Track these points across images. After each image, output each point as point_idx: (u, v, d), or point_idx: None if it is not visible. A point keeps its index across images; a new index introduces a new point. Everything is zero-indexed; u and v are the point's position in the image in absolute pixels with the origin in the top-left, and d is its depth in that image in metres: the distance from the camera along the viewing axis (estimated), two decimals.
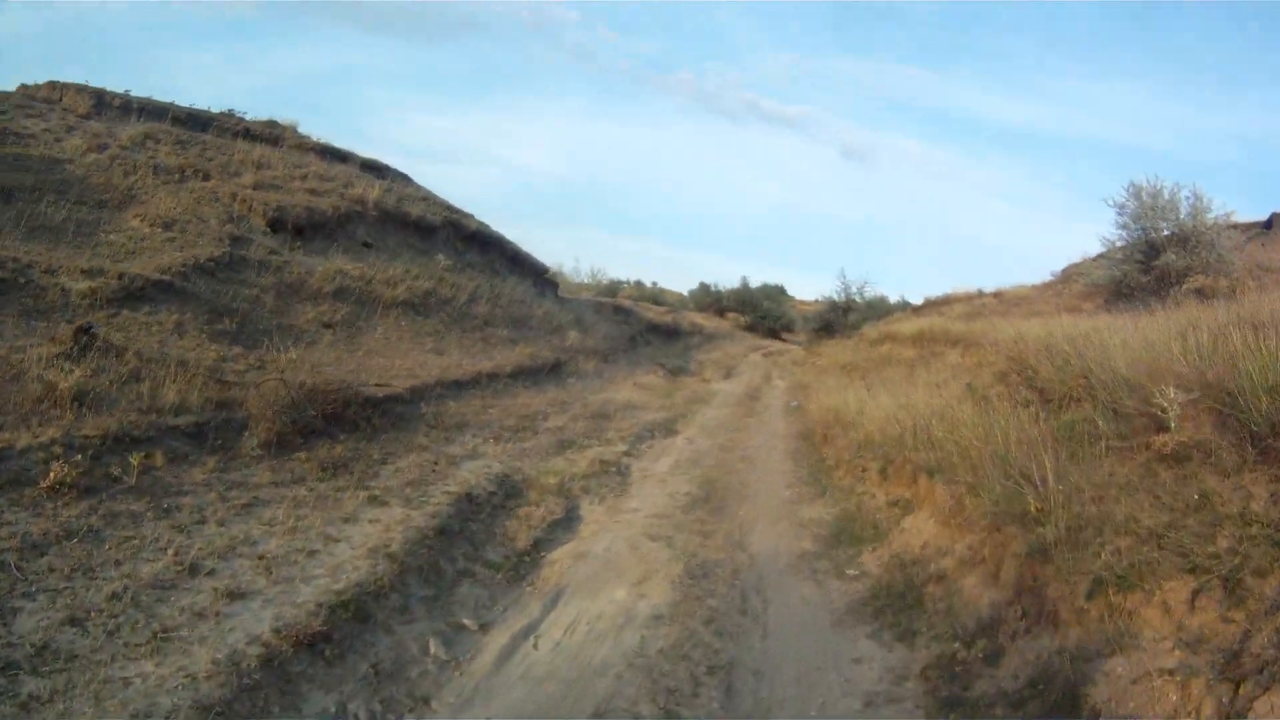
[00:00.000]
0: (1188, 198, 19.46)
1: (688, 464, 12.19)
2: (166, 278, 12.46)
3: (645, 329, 29.88)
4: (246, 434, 9.24)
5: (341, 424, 10.28)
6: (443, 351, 14.97)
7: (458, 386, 13.49)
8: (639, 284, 55.45)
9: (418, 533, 7.37)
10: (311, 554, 6.84)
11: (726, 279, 53.75)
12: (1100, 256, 25.87)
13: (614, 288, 45.94)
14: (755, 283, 52.98)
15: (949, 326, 24.74)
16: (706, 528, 8.81)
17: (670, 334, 32.54)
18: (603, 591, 7.01)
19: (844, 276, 34.50)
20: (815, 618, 6.56)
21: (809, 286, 58.15)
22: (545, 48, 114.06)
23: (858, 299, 34.92)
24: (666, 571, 7.30)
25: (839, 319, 35.01)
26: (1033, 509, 5.46)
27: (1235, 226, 20.83)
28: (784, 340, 47.71)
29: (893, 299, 40.54)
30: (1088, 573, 4.67)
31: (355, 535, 7.27)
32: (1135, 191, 20.85)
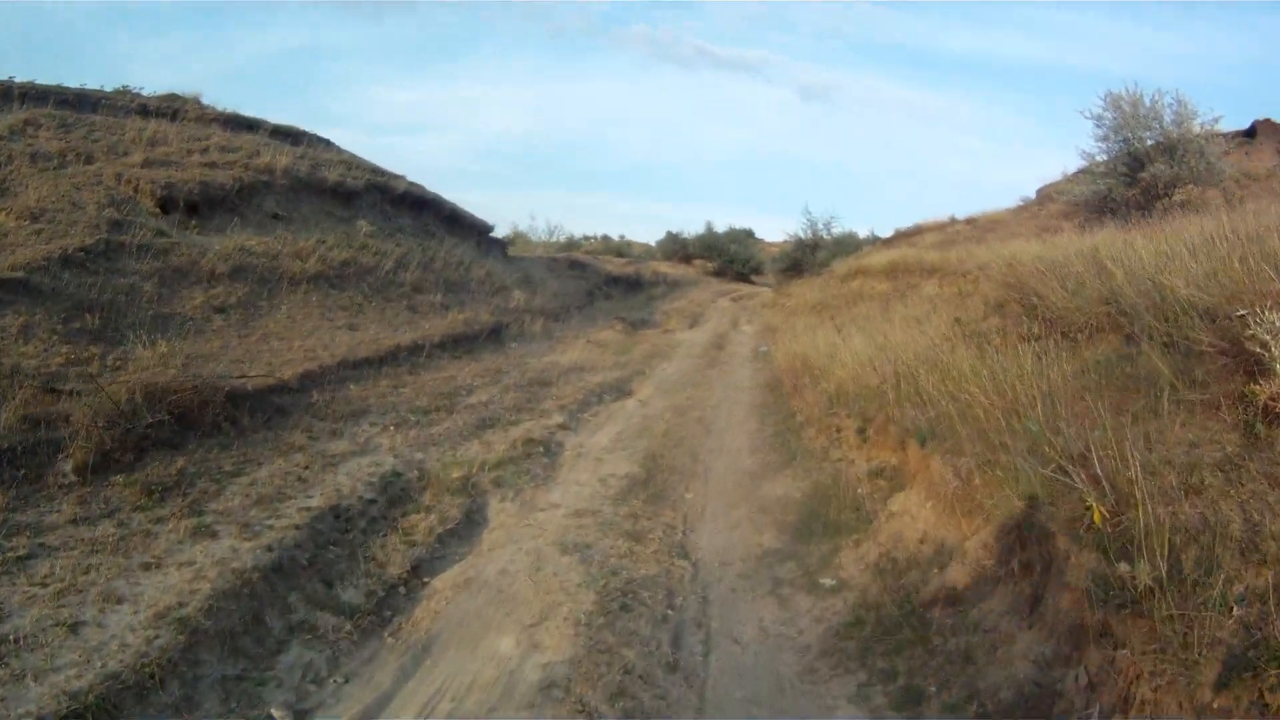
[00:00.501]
0: (1171, 104, 17.49)
1: (634, 434, 10.17)
2: (19, 275, 10.21)
3: (604, 282, 27.68)
4: (62, 455, 7.12)
5: (197, 429, 8.14)
6: (358, 326, 12.79)
7: (368, 365, 11.35)
8: (605, 238, 53.00)
9: (236, 577, 5.30)
10: (75, 628, 4.77)
11: (693, 228, 51.40)
12: (1080, 172, 23.95)
13: (574, 244, 43.49)
14: (721, 228, 50.69)
15: (922, 256, 22.74)
16: (640, 525, 6.82)
17: (632, 286, 30.38)
18: (483, 642, 5.00)
19: (809, 213, 32.36)
20: (775, 666, 4.59)
21: (776, 229, 55.71)
22: (497, 11, 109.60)
23: (825, 236, 32.83)
24: (573, 605, 5.28)
25: (807, 257, 32.92)
26: (1095, 515, 3.46)
27: (1220, 135, 18.99)
28: (753, 283, 45.57)
29: (862, 235, 38.45)
30: (1215, 642, 2.70)
31: (150, 590, 5.20)
32: (1114, 101, 18.84)
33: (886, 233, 35.96)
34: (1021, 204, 28.10)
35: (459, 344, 14.19)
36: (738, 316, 27.09)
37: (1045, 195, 27.59)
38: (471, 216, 22.25)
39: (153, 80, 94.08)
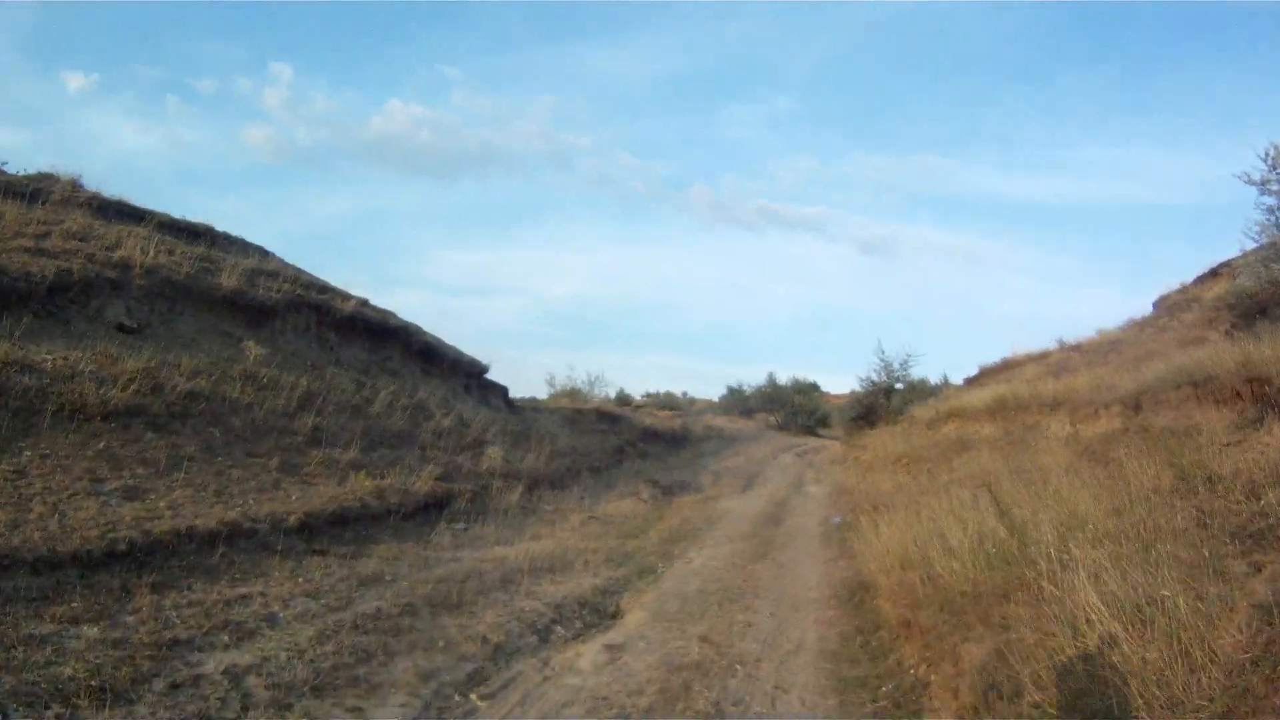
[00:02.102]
0: None
1: None
2: None
3: (639, 438, 22.12)
4: None
5: None
6: (149, 493, 7.37)
7: (112, 562, 5.85)
8: (667, 394, 47.92)
9: None
10: None
11: (757, 382, 45.96)
12: (1241, 258, 17.96)
13: (623, 398, 38.43)
14: (784, 380, 45.12)
15: (1037, 388, 16.62)
16: None
17: (676, 442, 24.73)
18: None
19: (883, 353, 26.62)
20: None
21: (841, 384, 49.96)
22: (562, 176, 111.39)
23: (901, 377, 26.85)
24: None
25: (880, 403, 26.88)
26: None
27: None
28: (820, 436, 39.36)
29: (934, 381, 32.08)
30: None
31: None
32: None
33: (959, 377, 29.79)
34: (1140, 320, 21.82)
35: (350, 524, 8.62)
36: (803, 475, 20.96)
37: (1169, 304, 21.36)
38: (457, 353, 17.18)
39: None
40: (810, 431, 40.59)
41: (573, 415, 20.60)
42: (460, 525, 10.24)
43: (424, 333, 16.48)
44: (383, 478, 10.11)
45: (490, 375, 18.59)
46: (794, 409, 41.81)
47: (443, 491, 10.79)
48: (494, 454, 12.79)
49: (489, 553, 8.92)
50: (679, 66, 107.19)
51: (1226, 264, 20.32)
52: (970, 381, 27.04)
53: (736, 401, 44.91)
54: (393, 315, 16.06)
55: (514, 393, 22.24)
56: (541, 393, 29.00)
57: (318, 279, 15.51)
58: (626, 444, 20.41)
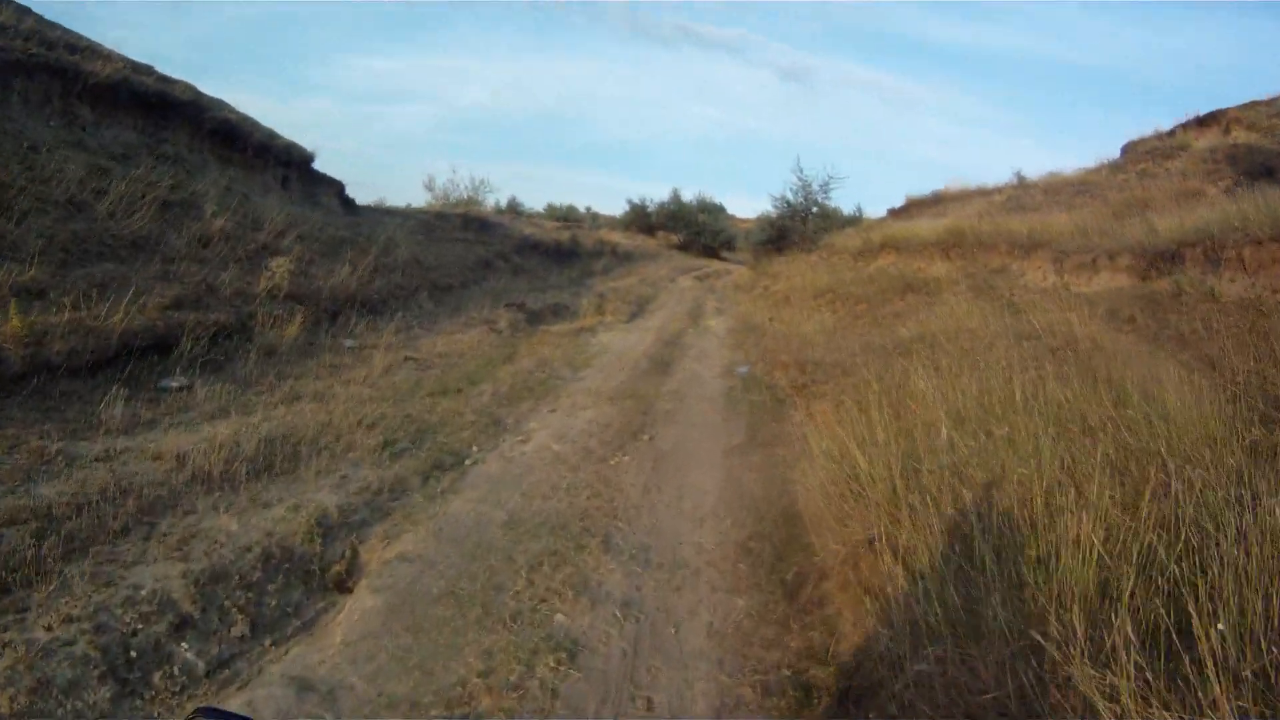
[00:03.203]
0: None
1: None
2: None
3: (515, 250, 17.93)
4: None
5: None
6: None
7: None
8: (567, 207, 42.84)
9: None
10: None
11: (660, 199, 41.40)
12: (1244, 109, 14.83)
13: (513, 207, 33.56)
14: (689, 198, 40.82)
15: (1002, 224, 13.34)
16: None
17: (563, 256, 20.69)
18: None
19: (801, 172, 22.72)
20: None
21: (748, 208, 46.30)
22: None
23: (819, 202, 23.21)
24: None
25: (796, 228, 23.40)
26: None
27: None
28: (723, 259, 36.07)
29: (846, 212, 28.13)
30: None
31: None
32: None
33: (876, 211, 26.38)
34: (1109, 163, 18.64)
35: None
36: (702, 303, 17.54)
37: (1147, 151, 18.21)
38: (268, 136, 12.10)
39: (129, 43, 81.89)
40: (713, 254, 37.17)
41: (431, 221, 16.13)
42: (176, 383, 6.23)
43: (225, 108, 11.37)
44: (72, 308, 5.89)
45: (350, 182, 13.87)
46: (698, 229, 38.00)
47: (171, 326, 6.67)
48: (280, 268, 8.54)
49: (186, 436, 5.05)
50: None
51: (1217, 114, 17.06)
52: (896, 214, 23.72)
53: (638, 218, 40.59)
54: (182, 85, 10.88)
55: (391, 201, 17.49)
56: (421, 201, 24.09)
57: (72, 34, 10.11)
58: (496, 257, 16.31)
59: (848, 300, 12.71)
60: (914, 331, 7.94)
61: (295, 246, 9.69)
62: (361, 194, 15.11)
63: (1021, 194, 17.86)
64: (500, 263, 16.38)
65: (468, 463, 5.65)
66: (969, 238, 12.65)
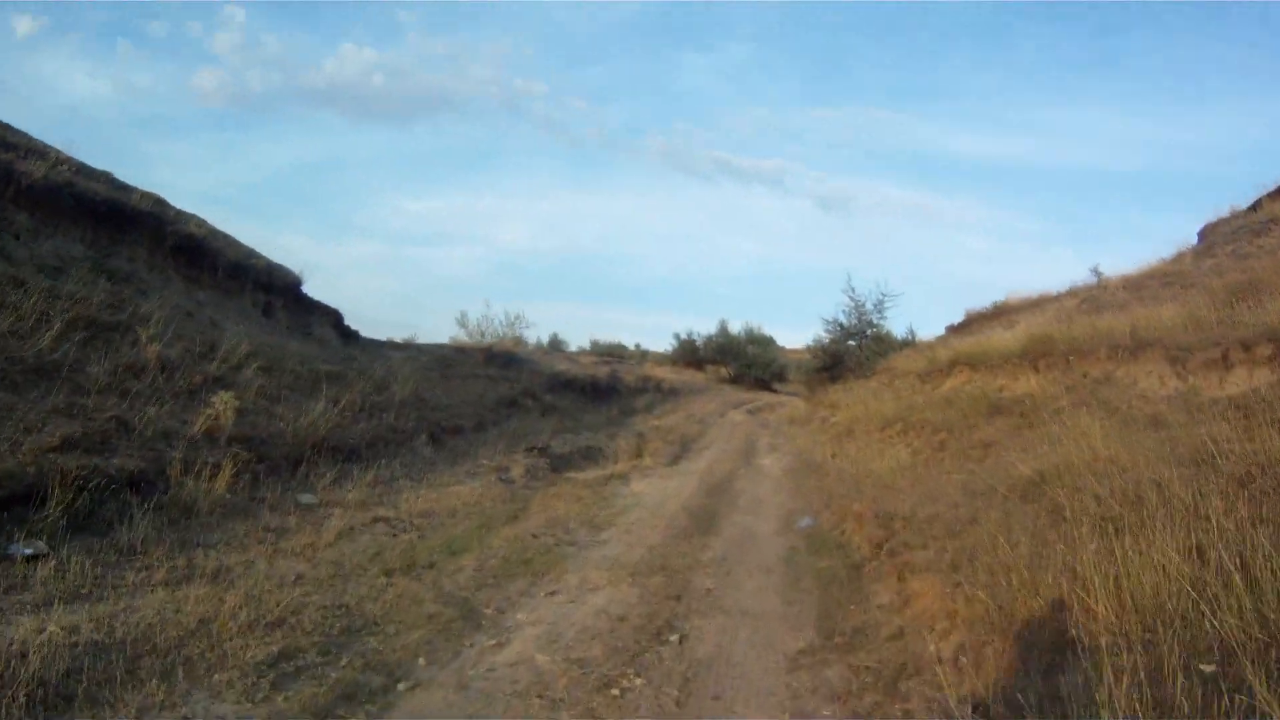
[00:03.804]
0: None
1: None
2: None
3: (544, 387, 16.41)
4: None
5: None
6: None
7: None
8: (613, 344, 41.91)
9: None
10: None
11: (707, 332, 40.18)
12: None
13: (555, 345, 32.60)
14: (737, 329, 39.53)
15: (1094, 325, 11.35)
16: None
17: (601, 393, 19.13)
18: None
19: (853, 291, 21.12)
20: None
21: (796, 339, 44.77)
22: (516, 122, 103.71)
23: (874, 323, 21.44)
24: None
25: (850, 352, 21.56)
26: None
27: None
28: (775, 391, 34.20)
29: (898, 335, 25.99)
30: None
31: None
32: None
33: (927, 332, 24.35)
34: (1191, 249, 16.63)
35: None
36: (755, 438, 15.57)
37: (1232, 231, 16.23)
38: (245, 256, 10.94)
39: (179, 183, 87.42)
40: (765, 386, 35.38)
41: (449, 356, 14.82)
42: (28, 549, 4.61)
43: (193, 222, 10.43)
44: None
45: (344, 308, 12.75)
46: (748, 361, 36.42)
47: (49, 472, 5.11)
48: (225, 404, 7.04)
49: None
50: (634, 12, 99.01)
51: None
52: (956, 330, 21.77)
53: (686, 352, 39.35)
54: (142, 194, 10.04)
55: (424, 339, 16.36)
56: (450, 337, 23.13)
57: (11, 130, 9.45)
58: (522, 395, 14.80)
59: (923, 429, 10.65)
60: (1033, 467, 5.88)
61: (257, 380, 8.23)
62: (400, 334, 13.96)
63: (1100, 293, 15.82)
64: (528, 402, 14.83)
65: (401, 688, 3.74)
66: (1058, 344, 10.61)
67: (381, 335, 15.73)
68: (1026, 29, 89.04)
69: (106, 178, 10.10)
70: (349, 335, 12.86)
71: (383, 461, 8.59)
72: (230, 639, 3.96)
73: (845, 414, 14.87)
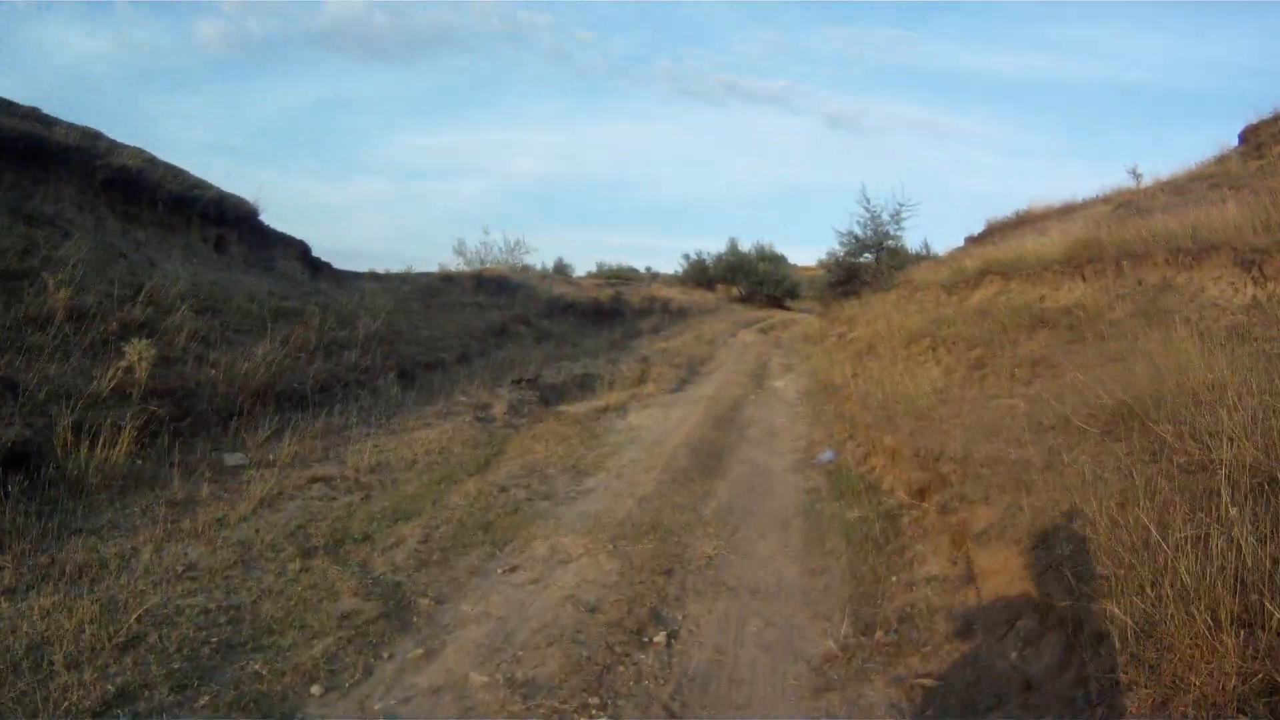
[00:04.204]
0: None
1: None
2: None
3: (542, 312, 15.13)
4: None
5: None
6: None
7: None
8: (621, 267, 40.32)
9: None
10: None
11: (717, 251, 38.46)
12: None
13: (560, 269, 31.16)
14: (747, 247, 37.78)
15: (1149, 227, 9.89)
16: None
17: (604, 317, 17.83)
18: None
19: (868, 202, 19.40)
20: None
21: (809, 256, 43.03)
22: (521, 54, 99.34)
23: (893, 234, 19.81)
24: None
25: (867, 266, 20.07)
26: None
27: None
28: (788, 309, 32.82)
29: (912, 249, 23.93)
30: None
31: None
32: None
33: (941, 247, 22.64)
34: (1233, 151, 14.95)
35: None
36: (766, 360, 14.34)
37: (1274, 132, 14.55)
38: (190, 187, 9.52)
39: (185, 136, 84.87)
40: (777, 304, 33.97)
41: (435, 284, 13.51)
42: None
43: (126, 153, 9.01)
44: None
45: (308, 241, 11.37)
46: (759, 279, 34.90)
47: None
48: (140, 353, 5.85)
49: None
50: None
51: None
52: (977, 240, 20.16)
53: (696, 272, 37.79)
54: (68, 127, 8.64)
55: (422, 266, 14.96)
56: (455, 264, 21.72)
57: None
58: (515, 321, 13.54)
59: (955, 345, 9.36)
60: (1115, 393, 4.61)
61: (188, 323, 7.00)
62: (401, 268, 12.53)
63: (1137, 197, 14.23)
64: (520, 329, 13.59)
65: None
66: (1107, 248, 9.18)
67: (384, 270, 14.40)
68: None
69: (32, 113, 8.72)
70: (319, 268, 11.55)
71: (338, 407, 7.43)
72: (62, 673, 2.86)
73: (864, 330, 13.56)
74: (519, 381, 9.98)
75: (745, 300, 33.77)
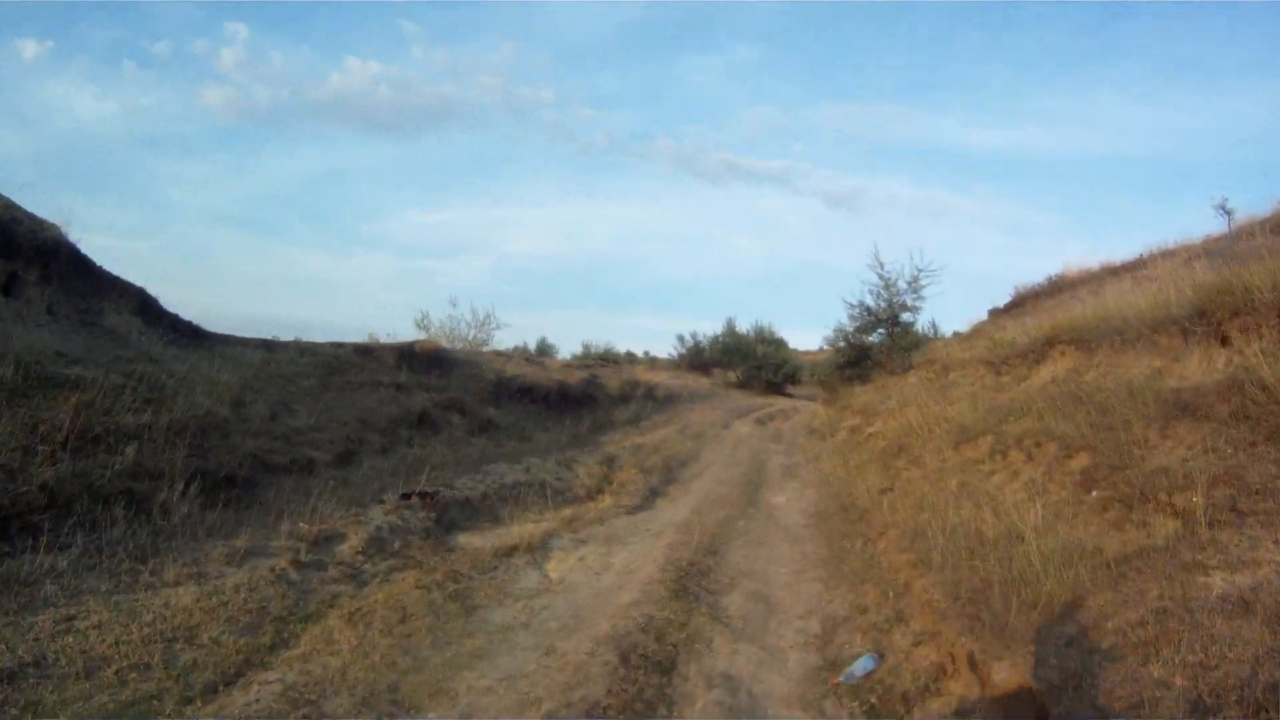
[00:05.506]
0: None
1: None
2: None
3: (486, 397, 11.97)
4: None
5: None
6: None
7: None
8: (608, 350, 37.34)
9: None
10: None
11: (713, 332, 35.62)
12: None
13: (542, 350, 28.25)
14: (745, 329, 34.90)
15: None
16: None
17: (569, 404, 14.73)
18: None
19: (882, 268, 16.51)
20: None
21: (810, 341, 40.32)
22: (523, 130, 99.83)
23: (911, 304, 16.82)
24: None
25: (879, 343, 17.08)
26: None
27: None
28: (789, 396, 29.71)
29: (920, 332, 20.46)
30: None
31: None
32: None
33: (949, 328, 19.72)
34: (1262, 219, 12.03)
35: None
36: (763, 460, 11.13)
37: None
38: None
39: (190, 202, 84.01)
40: (776, 390, 30.89)
41: (346, 357, 10.49)
42: None
43: None
44: None
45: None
46: (758, 362, 31.87)
47: None
48: None
49: None
50: (638, 15, 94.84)
51: None
52: (1002, 313, 17.25)
53: (691, 355, 34.87)
54: None
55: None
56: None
57: None
58: (445, 409, 10.43)
59: (1039, 447, 6.23)
60: None
61: None
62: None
63: (1231, 243, 11.26)
64: (453, 417, 10.47)
65: None
66: (1259, 294, 6.13)
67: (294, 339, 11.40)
68: (1032, 18, 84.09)
69: None
70: (177, 327, 8.55)
71: (65, 537, 4.32)
72: None
73: (888, 422, 10.43)
74: (409, 496, 6.82)
75: (743, 385, 30.71)
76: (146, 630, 3.75)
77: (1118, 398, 6.20)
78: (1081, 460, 5.66)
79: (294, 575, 4.79)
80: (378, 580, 4.93)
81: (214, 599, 4.22)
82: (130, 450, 5.58)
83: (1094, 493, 5.28)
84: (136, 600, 4.09)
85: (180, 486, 5.49)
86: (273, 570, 4.76)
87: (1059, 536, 4.35)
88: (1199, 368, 6.22)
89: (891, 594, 4.56)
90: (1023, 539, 4.47)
